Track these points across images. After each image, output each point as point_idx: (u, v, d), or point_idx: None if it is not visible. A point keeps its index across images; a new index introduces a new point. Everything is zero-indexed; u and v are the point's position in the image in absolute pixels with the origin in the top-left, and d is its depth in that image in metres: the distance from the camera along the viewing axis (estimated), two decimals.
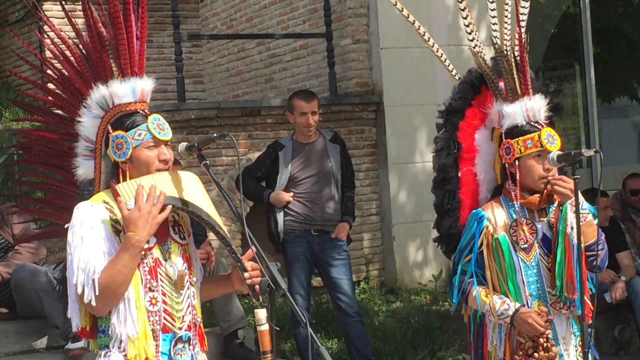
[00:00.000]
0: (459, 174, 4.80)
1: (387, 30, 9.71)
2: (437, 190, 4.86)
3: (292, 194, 7.55)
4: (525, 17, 4.83)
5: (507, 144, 4.64)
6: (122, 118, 3.76)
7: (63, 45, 4.12)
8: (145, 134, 3.74)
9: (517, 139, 4.62)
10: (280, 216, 7.59)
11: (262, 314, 3.68)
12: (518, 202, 4.63)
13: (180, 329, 3.75)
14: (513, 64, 4.72)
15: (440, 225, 4.88)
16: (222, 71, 12.14)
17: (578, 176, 4.52)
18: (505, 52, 4.73)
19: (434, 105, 9.77)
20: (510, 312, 4.55)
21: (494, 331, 4.69)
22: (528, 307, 4.58)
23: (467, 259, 4.67)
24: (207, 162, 3.75)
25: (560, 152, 4.58)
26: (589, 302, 4.62)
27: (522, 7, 4.84)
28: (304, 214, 7.59)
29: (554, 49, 12.23)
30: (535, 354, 4.55)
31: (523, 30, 4.78)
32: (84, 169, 3.85)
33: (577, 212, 4.51)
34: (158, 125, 3.76)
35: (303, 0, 10.72)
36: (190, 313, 3.78)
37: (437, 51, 5.05)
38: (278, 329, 3.70)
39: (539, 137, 4.60)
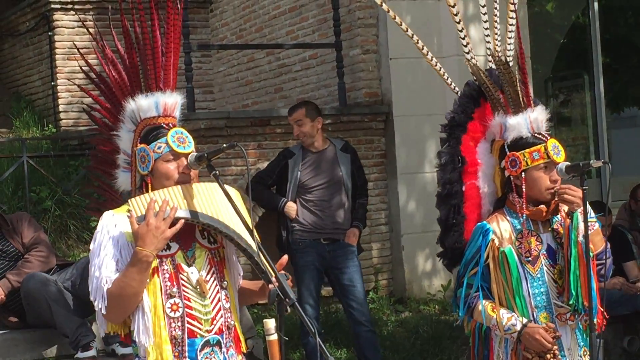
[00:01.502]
0: (464, 188, 4.80)
1: (396, 40, 9.73)
2: (442, 205, 4.86)
3: (295, 211, 7.62)
4: (513, 28, 4.84)
5: (512, 156, 4.63)
6: (148, 132, 3.86)
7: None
8: (164, 146, 3.80)
9: (523, 151, 4.61)
10: (290, 225, 7.63)
11: (271, 323, 3.69)
12: (524, 214, 4.62)
13: (209, 332, 3.77)
14: (515, 75, 4.72)
15: (445, 240, 4.88)
16: (231, 81, 12.17)
17: (587, 187, 4.53)
18: (507, 62, 4.73)
19: (443, 116, 9.76)
20: (518, 327, 4.53)
21: (500, 345, 4.67)
22: (534, 319, 4.58)
23: (472, 272, 4.65)
24: (217, 172, 3.76)
25: (569, 163, 4.60)
26: (603, 312, 4.64)
27: (511, 17, 4.84)
28: (313, 223, 7.62)
29: (564, 59, 12.24)
30: None
31: (510, 39, 4.81)
32: (122, 180, 3.97)
33: (585, 223, 4.52)
34: (178, 139, 3.82)
35: (312, 11, 10.74)
36: (222, 316, 3.81)
37: (436, 65, 5.07)
38: (287, 338, 3.71)
39: (545, 148, 4.60)
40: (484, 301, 4.62)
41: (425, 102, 9.80)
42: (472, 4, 9.41)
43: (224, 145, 3.80)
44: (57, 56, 11.45)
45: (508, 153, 4.66)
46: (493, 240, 4.61)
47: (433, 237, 9.15)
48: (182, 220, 3.70)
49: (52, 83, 11.52)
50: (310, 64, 10.81)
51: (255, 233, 3.71)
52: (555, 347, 4.54)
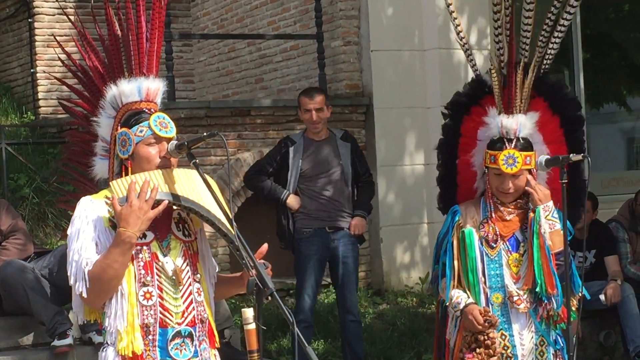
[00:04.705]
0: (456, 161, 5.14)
1: (378, 32, 9.72)
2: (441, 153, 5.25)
3: (300, 203, 7.63)
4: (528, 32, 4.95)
5: (486, 152, 4.93)
6: (130, 116, 3.83)
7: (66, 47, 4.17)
8: (146, 130, 3.79)
9: (488, 151, 4.91)
10: (294, 214, 7.66)
11: (249, 313, 3.68)
12: (491, 204, 4.92)
13: (179, 324, 3.77)
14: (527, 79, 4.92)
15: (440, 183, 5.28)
16: (212, 71, 12.14)
17: (566, 181, 4.62)
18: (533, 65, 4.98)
19: (424, 108, 9.80)
20: (461, 306, 4.83)
21: (452, 322, 4.97)
22: (487, 298, 4.85)
23: (444, 250, 5.00)
24: (197, 161, 3.76)
25: (548, 157, 4.80)
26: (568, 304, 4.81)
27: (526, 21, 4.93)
28: (317, 211, 7.63)
29: None
30: (477, 349, 4.79)
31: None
32: (99, 168, 3.94)
33: (564, 219, 4.61)
34: (160, 123, 3.81)
35: (294, 1, 10.72)
36: (195, 309, 3.80)
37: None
38: (265, 328, 3.71)
39: (496, 157, 4.84)
40: (445, 278, 4.94)
41: (406, 95, 9.81)
42: None
43: (205, 134, 3.80)
44: (36, 43, 11.38)
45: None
46: (459, 221, 4.93)
47: (412, 229, 9.17)
48: (166, 202, 3.69)
49: (32, 70, 11.46)
50: (291, 54, 10.79)
51: (234, 222, 3.71)
52: (489, 330, 4.77)
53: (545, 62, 5.00)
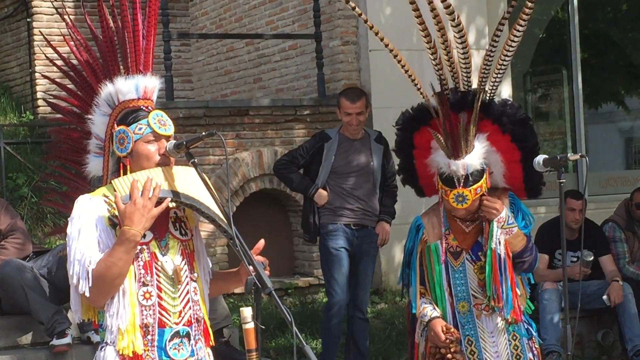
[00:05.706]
0: (415, 164, 5.26)
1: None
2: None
3: (327, 198, 7.68)
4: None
5: (441, 188, 4.96)
6: (127, 114, 3.82)
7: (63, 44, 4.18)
8: (145, 128, 3.78)
9: (441, 186, 4.93)
10: (319, 209, 7.72)
11: (247, 312, 3.69)
12: (445, 218, 5.04)
13: (177, 324, 3.77)
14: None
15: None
16: (210, 70, 12.15)
17: (564, 180, 4.68)
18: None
19: None
20: (426, 319, 5.01)
21: (419, 327, 5.13)
22: (454, 306, 5.02)
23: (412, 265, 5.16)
24: (195, 160, 3.77)
25: (546, 156, 4.79)
26: (517, 306, 5.00)
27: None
28: (343, 208, 7.69)
29: (542, 53, 12.27)
30: None
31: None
32: (93, 165, 3.92)
33: (561, 217, 4.60)
34: (159, 121, 3.80)
35: (293, 1, 10.73)
36: (191, 308, 3.81)
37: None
38: (263, 327, 3.71)
39: (447, 193, 4.90)
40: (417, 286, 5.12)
41: (404, 95, 9.73)
42: None
43: (203, 133, 3.80)
44: (35, 43, 11.40)
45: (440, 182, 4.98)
46: (424, 235, 5.07)
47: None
48: (169, 199, 3.70)
49: (30, 70, 11.47)
50: (289, 54, 10.80)
51: (232, 221, 3.72)
52: (452, 345, 4.94)
53: (491, 90, 4.96)
